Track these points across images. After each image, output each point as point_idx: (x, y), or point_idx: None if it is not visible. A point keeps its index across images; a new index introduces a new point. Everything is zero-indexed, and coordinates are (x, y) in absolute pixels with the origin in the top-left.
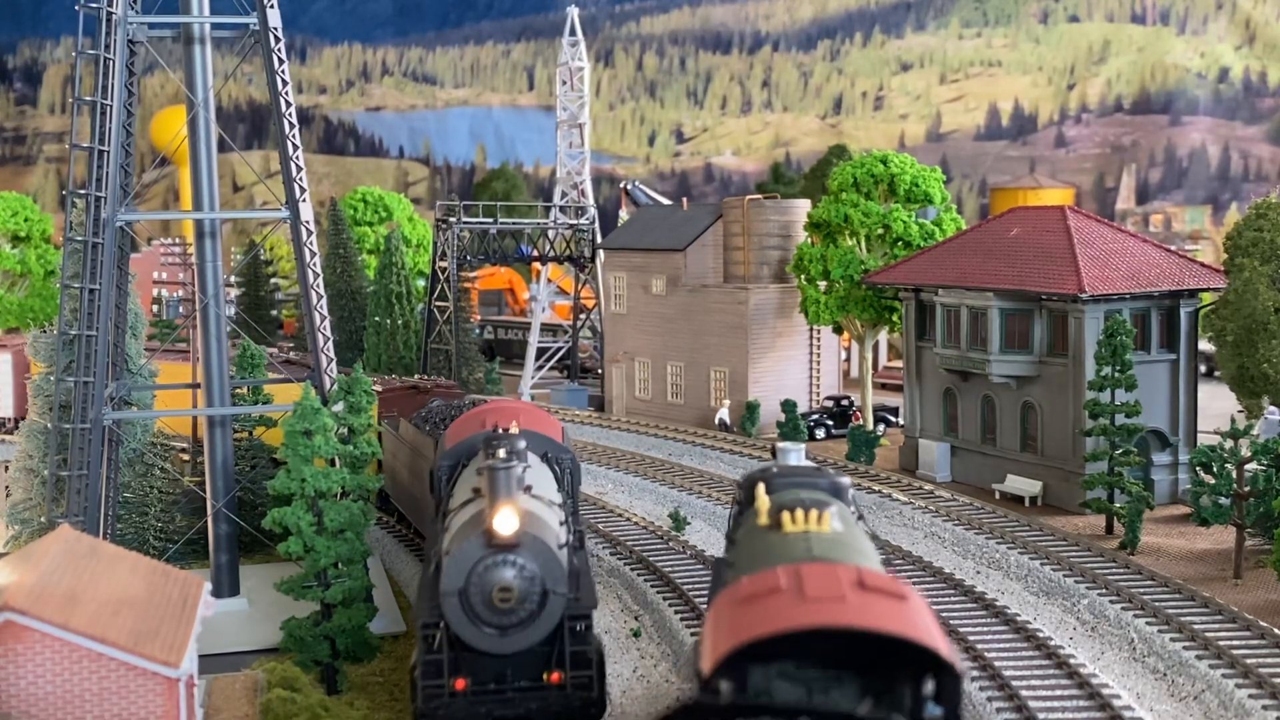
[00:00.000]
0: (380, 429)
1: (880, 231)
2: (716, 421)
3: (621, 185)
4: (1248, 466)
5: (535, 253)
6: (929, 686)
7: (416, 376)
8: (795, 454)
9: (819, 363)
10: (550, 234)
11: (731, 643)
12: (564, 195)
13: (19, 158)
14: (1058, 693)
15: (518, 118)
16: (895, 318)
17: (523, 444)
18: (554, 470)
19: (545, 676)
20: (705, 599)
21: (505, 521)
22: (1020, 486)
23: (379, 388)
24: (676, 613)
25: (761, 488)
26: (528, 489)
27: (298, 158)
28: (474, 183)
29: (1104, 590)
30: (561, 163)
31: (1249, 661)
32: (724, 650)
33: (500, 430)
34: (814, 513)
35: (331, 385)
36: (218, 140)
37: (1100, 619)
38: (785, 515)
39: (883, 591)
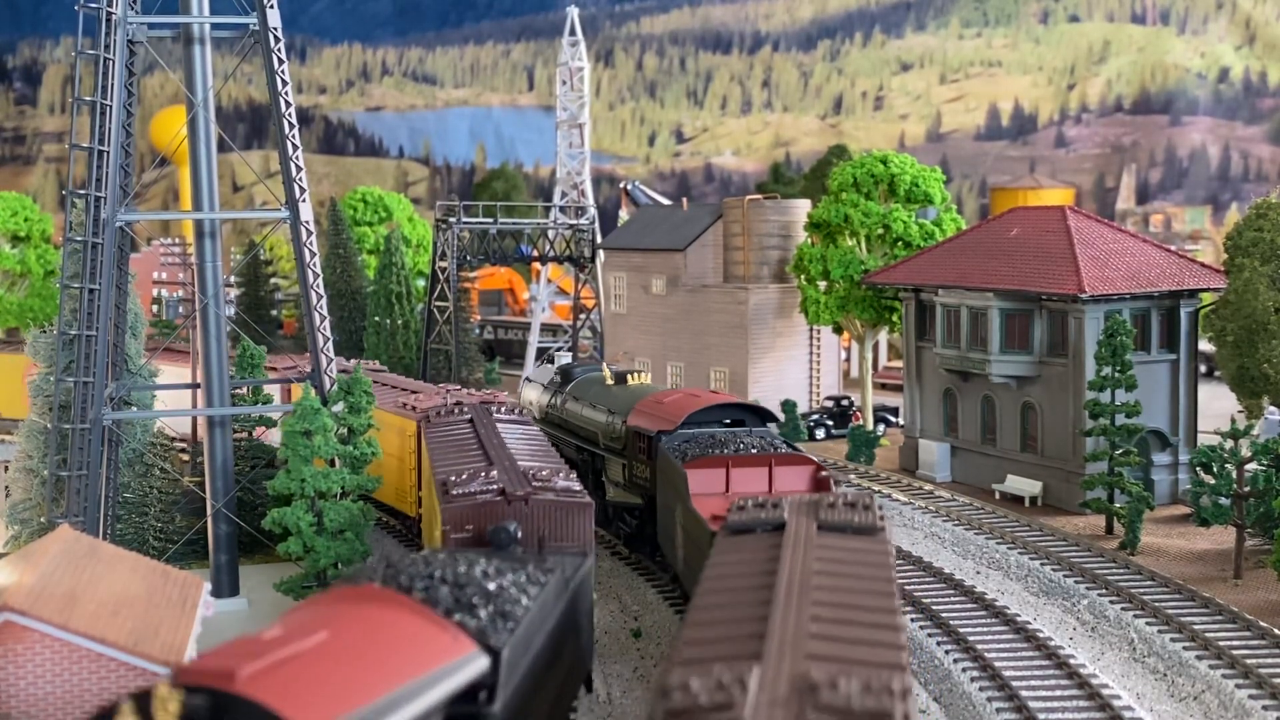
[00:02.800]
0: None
1: (880, 231)
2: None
3: (621, 185)
4: (1248, 467)
5: (535, 253)
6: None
7: None
8: None
9: (819, 363)
10: (550, 234)
11: (684, 413)
12: (564, 195)
13: (19, 158)
14: (1057, 693)
15: (518, 118)
16: (895, 318)
17: None
18: None
19: None
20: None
21: None
22: (1020, 487)
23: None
24: (677, 613)
25: (603, 369)
26: None
27: (297, 158)
28: (474, 183)
29: (1104, 590)
30: (561, 163)
31: (1249, 662)
32: (683, 415)
33: None
34: (642, 375)
35: (331, 385)
36: (218, 140)
37: (1100, 619)
38: (629, 376)
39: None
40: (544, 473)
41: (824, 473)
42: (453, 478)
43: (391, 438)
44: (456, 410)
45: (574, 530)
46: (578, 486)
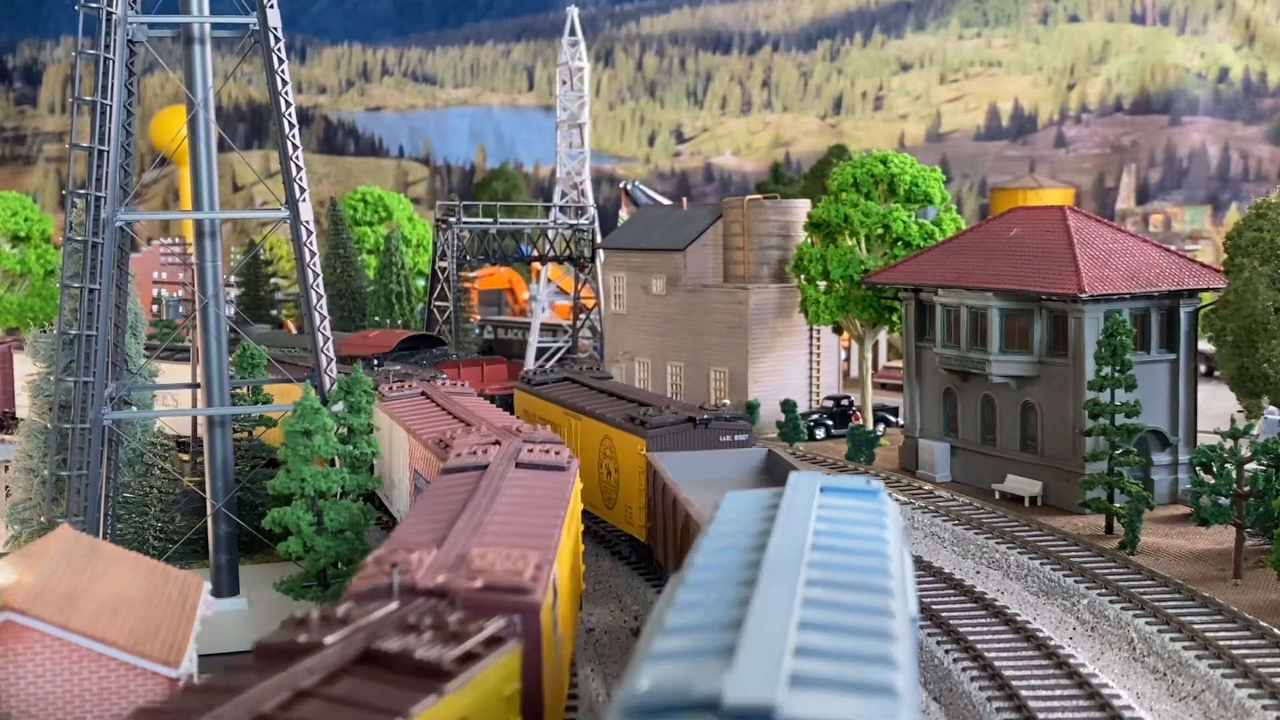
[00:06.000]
0: None
1: (880, 231)
2: None
3: (621, 185)
4: (1248, 466)
5: (535, 253)
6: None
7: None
8: None
9: (819, 363)
10: (550, 234)
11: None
12: (564, 195)
13: (19, 158)
14: (1057, 692)
15: (518, 118)
16: (895, 318)
17: None
18: None
19: None
20: None
21: None
22: (1020, 486)
23: None
24: None
25: None
26: None
27: (297, 158)
28: (474, 183)
29: (1104, 590)
30: (561, 163)
31: (1249, 661)
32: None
33: None
34: None
35: (331, 385)
36: (218, 140)
37: (1100, 619)
38: None
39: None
40: None
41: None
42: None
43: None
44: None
45: None
46: None
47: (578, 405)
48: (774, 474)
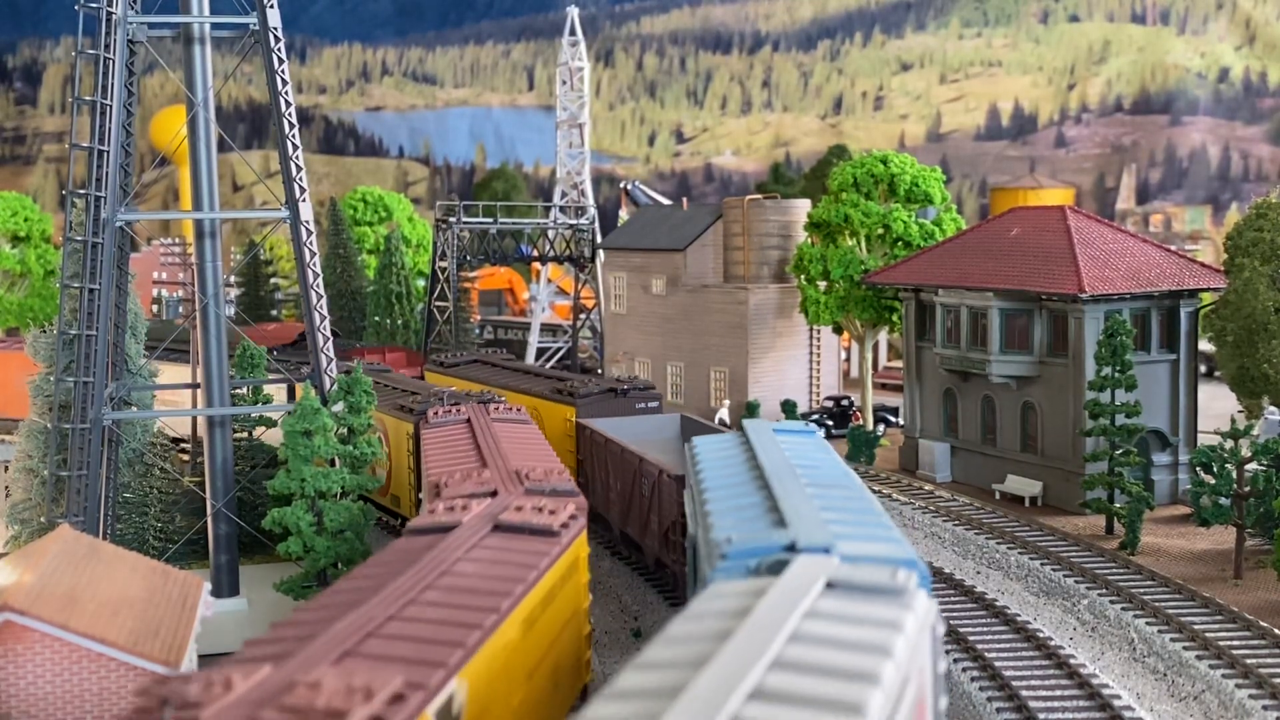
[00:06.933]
0: None
1: (880, 231)
2: (716, 421)
3: (621, 185)
4: (1248, 466)
5: (535, 253)
6: None
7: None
8: None
9: (819, 363)
10: (550, 234)
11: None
12: (564, 195)
13: (19, 158)
14: (1058, 693)
15: (518, 118)
16: (895, 318)
17: None
18: None
19: None
20: None
21: None
22: (1020, 486)
23: None
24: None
25: None
26: None
27: (297, 158)
28: (474, 183)
29: (1104, 590)
30: (561, 163)
31: (1249, 662)
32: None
33: None
34: None
35: (331, 385)
36: (217, 140)
37: (1100, 619)
38: None
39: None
40: None
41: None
42: None
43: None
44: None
45: None
46: None
47: (500, 382)
48: (686, 434)
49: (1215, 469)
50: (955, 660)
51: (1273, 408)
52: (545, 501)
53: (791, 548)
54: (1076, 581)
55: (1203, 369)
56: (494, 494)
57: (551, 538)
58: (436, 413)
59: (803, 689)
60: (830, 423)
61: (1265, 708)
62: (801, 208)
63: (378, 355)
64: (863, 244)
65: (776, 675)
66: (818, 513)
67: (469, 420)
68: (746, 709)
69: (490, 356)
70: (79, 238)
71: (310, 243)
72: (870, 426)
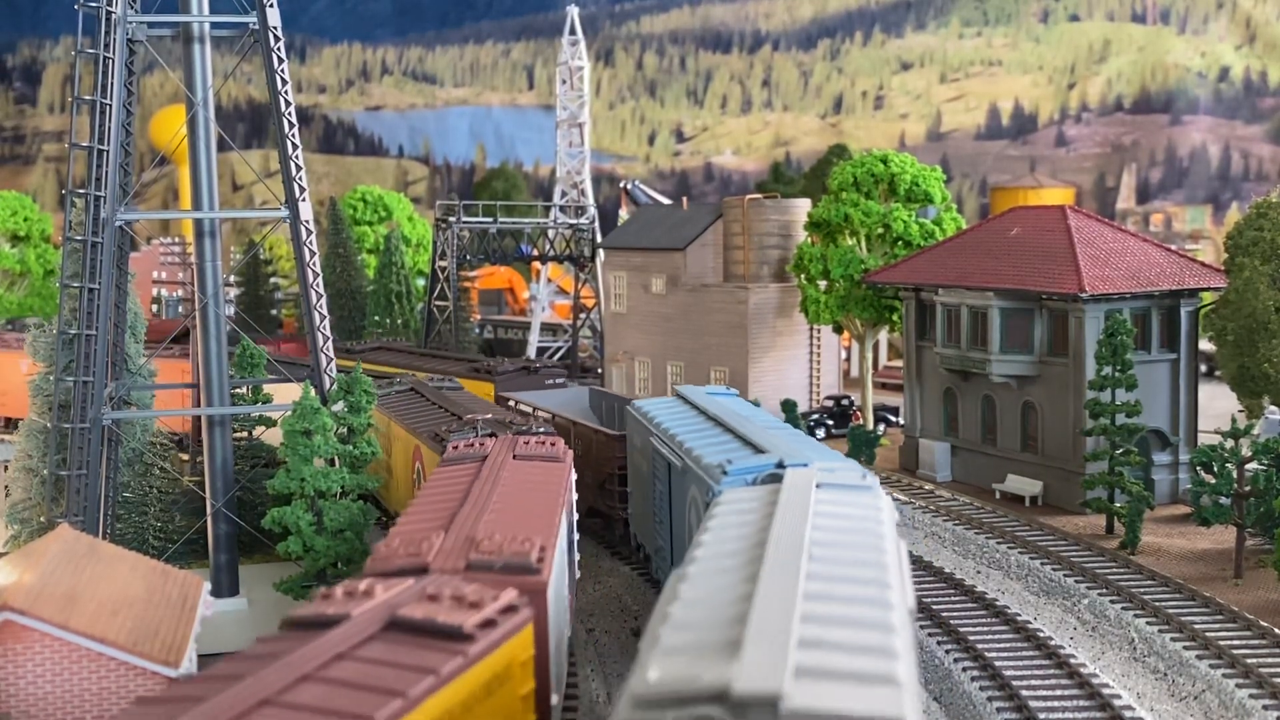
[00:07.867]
0: None
1: (880, 231)
2: None
3: (621, 185)
4: (1248, 466)
5: (535, 252)
6: None
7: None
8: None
9: (819, 362)
10: (550, 234)
11: None
12: (564, 195)
13: (18, 157)
14: (1058, 692)
15: (517, 117)
16: (895, 317)
17: None
18: None
19: None
20: None
21: None
22: (1021, 486)
23: None
24: None
25: None
26: None
27: (297, 157)
28: (474, 182)
29: (1104, 590)
30: (561, 162)
31: (1249, 661)
32: None
33: None
34: None
35: (331, 385)
36: (217, 140)
37: (1100, 619)
38: None
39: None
40: None
41: None
42: None
43: None
44: None
45: None
46: None
47: (414, 365)
48: (594, 404)
49: (1215, 468)
50: (955, 660)
51: (1273, 407)
52: (476, 588)
53: (780, 465)
54: (1077, 581)
55: (1203, 368)
56: (424, 570)
57: (458, 643)
58: (457, 446)
59: (838, 540)
60: (830, 422)
61: (1265, 707)
62: (801, 207)
63: (271, 348)
64: (863, 243)
65: (818, 532)
66: (784, 442)
67: (484, 458)
68: (813, 550)
69: (391, 344)
70: (79, 237)
71: (310, 242)
72: (870, 426)
